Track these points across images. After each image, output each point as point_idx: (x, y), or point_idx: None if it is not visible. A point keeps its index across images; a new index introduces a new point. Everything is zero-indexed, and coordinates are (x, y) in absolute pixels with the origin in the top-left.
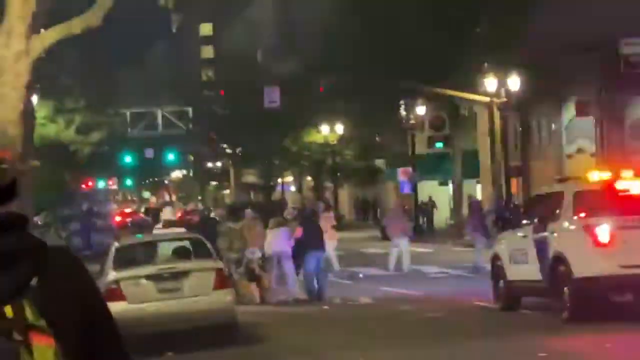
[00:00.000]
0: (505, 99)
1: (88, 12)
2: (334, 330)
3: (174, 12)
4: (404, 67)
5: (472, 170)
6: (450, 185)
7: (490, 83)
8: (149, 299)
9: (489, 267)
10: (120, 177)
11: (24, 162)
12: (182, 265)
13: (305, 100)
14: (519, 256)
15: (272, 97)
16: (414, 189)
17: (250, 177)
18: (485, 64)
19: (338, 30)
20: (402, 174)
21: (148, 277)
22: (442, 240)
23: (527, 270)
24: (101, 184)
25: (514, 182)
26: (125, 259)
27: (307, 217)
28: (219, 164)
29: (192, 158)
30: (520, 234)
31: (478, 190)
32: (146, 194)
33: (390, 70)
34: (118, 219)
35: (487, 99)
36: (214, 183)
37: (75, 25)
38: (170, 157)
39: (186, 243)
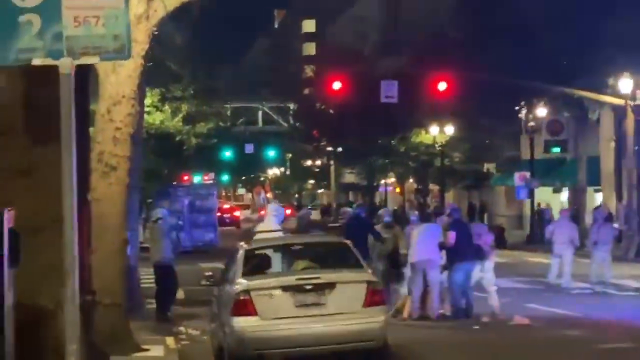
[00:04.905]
0: None
1: None
2: None
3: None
4: (527, 65)
5: (593, 177)
6: (566, 192)
7: (625, 84)
8: (285, 314)
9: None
10: (216, 171)
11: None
12: (326, 276)
13: (417, 98)
14: None
15: (390, 91)
16: (531, 195)
17: (351, 177)
18: (618, 64)
19: (452, 24)
20: (519, 179)
21: (285, 288)
22: None
23: None
24: (197, 178)
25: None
26: (257, 265)
27: (459, 220)
28: (318, 162)
29: (290, 155)
30: None
31: (599, 199)
32: (241, 190)
33: (512, 68)
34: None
35: (621, 101)
36: (311, 182)
37: None
38: (271, 153)
39: (331, 249)
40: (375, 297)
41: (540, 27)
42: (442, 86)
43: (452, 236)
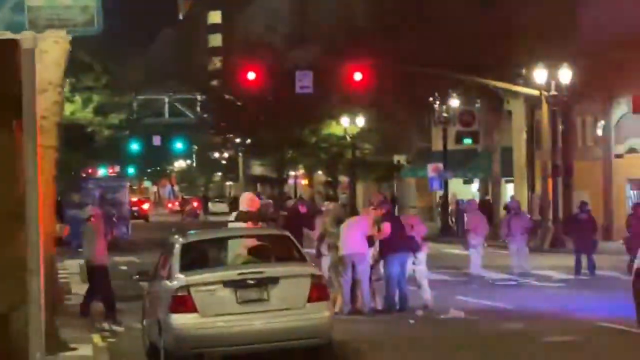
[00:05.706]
0: (556, 93)
1: None
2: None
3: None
4: (442, 55)
5: (506, 168)
6: (476, 184)
7: (540, 75)
8: (227, 310)
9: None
10: (122, 164)
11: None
12: (269, 270)
13: (329, 89)
14: None
15: (305, 81)
16: (444, 187)
17: (260, 169)
18: (533, 54)
19: (364, 13)
20: (433, 170)
21: (226, 283)
22: None
23: None
24: (102, 171)
25: (550, 182)
26: (196, 260)
27: (392, 212)
28: (226, 154)
29: (196, 148)
30: None
31: (510, 190)
32: (147, 183)
33: (426, 58)
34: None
35: (536, 92)
36: (219, 174)
37: None
38: (179, 145)
39: (272, 241)
40: (319, 291)
41: (455, 15)
42: (355, 77)
43: (387, 227)
